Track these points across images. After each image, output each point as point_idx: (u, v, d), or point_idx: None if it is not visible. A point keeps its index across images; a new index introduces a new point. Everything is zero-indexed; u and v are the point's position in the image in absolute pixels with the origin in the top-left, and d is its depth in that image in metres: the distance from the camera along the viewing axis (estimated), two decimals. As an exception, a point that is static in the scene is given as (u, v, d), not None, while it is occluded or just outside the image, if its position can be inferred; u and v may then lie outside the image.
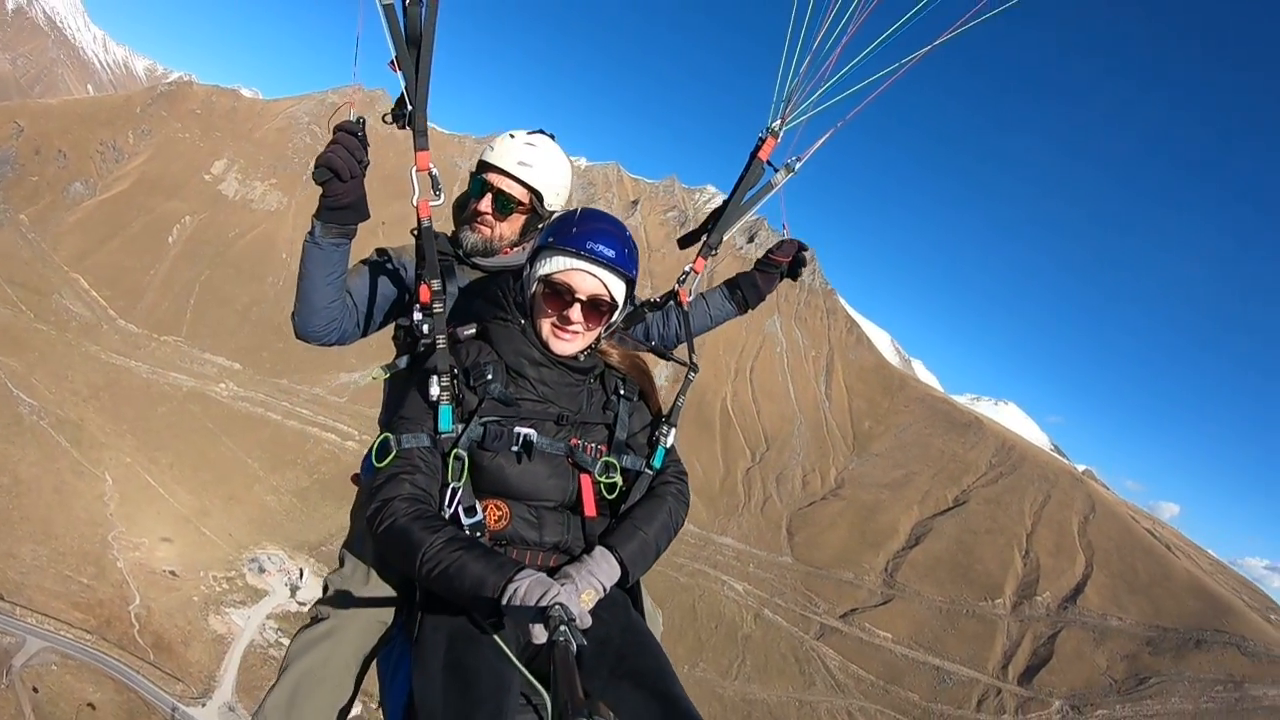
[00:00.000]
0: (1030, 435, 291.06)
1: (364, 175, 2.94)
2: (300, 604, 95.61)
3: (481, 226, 3.53)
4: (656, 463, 3.02)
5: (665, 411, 3.17)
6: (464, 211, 3.61)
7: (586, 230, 2.81)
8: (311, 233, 2.98)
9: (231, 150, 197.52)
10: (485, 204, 3.49)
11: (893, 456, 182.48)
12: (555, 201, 3.56)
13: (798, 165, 3.81)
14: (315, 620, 3.03)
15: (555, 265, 2.82)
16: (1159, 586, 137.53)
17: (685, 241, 3.91)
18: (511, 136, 3.54)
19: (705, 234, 3.84)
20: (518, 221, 3.55)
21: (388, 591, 3.03)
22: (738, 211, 3.84)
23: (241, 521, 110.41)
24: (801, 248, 4.03)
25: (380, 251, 3.55)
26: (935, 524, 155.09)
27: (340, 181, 2.85)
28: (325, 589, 3.11)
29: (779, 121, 3.75)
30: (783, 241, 4.05)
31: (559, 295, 2.82)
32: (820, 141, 3.81)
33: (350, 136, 2.84)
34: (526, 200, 3.49)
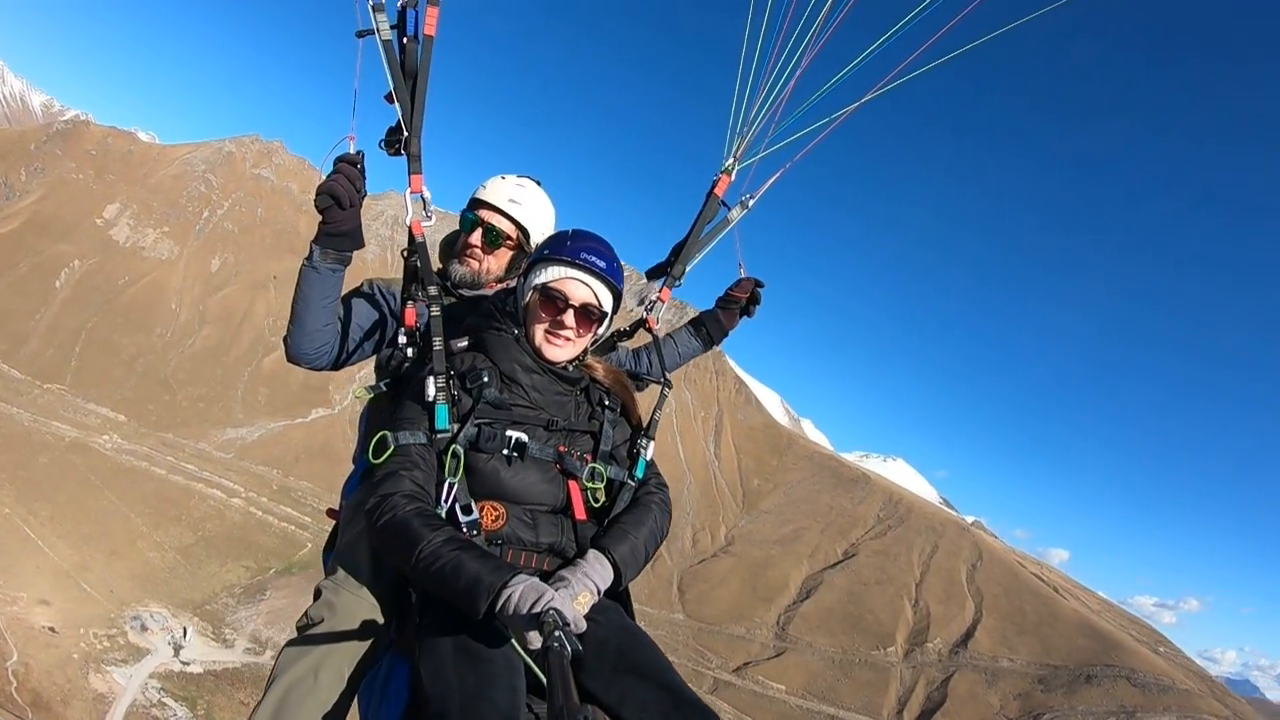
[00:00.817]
0: (918, 489, 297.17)
1: (361, 206, 3.06)
2: (184, 663, 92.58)
3: (470, 260, 3.62)
4: (639, 473, 3.12)
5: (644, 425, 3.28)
6: (453, 248, 3.73)
7: (580, 245, 2.99)
8: (310, 257, 3.07)
9: (125, 195, 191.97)
10: (475, 237, 3.59)
11: (782, 513, 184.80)
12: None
13: (751, 203, 4.03)
14: (305, 628, 2.96)
15: (551, 274, 2.97)
16: (1048, 627, 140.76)
17: (653, 274, 4.12)
18: (503, 178, 3.68)
19: (669, 267, 4.07)
20: (505, 256, 3.65)
21: (376, 606, 3.00)
22: (697, 245, 4.06)
23: (123, 577, 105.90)
24: (758, 284, 4.23)
25: (368, 283, 3.63)
26: (825, 577, 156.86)
27: (340, 209, 2.98)
28: (317, 594, 3.06)
29: (732, 160, 3.97)
30: (740, 279, 4.23)
31: (553, 302, 2.96)
32: (771, 181, 3.98)
33: (351, 167, 2.99)
34: (515, 236, 3.61)
